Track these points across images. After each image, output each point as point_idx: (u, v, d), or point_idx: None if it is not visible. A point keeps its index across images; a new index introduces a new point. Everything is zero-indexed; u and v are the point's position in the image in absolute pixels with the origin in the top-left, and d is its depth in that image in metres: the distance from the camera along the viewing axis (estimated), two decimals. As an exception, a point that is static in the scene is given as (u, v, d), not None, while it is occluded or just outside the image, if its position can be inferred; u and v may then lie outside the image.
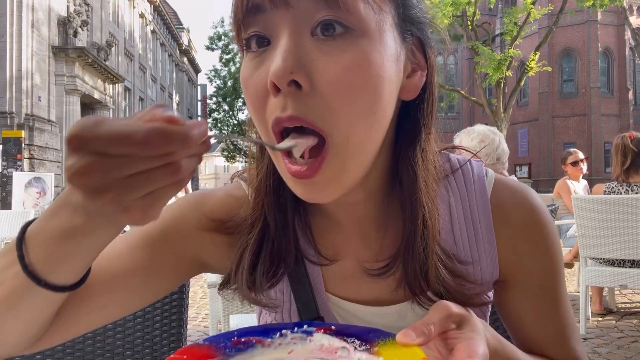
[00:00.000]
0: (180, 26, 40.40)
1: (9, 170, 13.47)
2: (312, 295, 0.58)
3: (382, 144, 0.49)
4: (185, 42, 40.65)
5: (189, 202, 0.62)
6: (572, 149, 4.96)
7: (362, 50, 0.43)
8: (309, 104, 0.42)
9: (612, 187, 3.48)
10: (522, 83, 21.71)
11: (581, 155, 4.77)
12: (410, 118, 0.52)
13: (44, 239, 0.42)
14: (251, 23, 0.45)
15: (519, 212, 0.58)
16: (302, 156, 0.44)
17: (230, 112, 37.38)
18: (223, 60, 36.07)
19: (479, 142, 2.55)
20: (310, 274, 0.59)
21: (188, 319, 0.99)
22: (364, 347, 0.45)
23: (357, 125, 0.43)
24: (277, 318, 0.62)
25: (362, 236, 0.58)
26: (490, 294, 0.64)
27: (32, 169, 14.79)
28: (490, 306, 0.65)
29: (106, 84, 20.53)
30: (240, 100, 36.67)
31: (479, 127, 2.67)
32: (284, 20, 0.43)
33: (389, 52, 0.46)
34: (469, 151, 0.63)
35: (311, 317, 0.58)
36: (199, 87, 47.43)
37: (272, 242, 0.56)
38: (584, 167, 4.74)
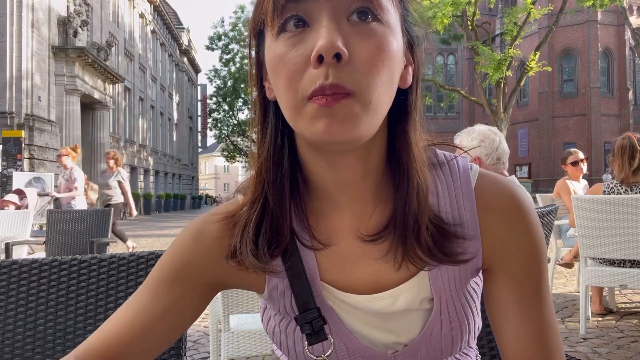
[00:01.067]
0: (180, 26, 40.38)
1: (9, 170, 13.47)
2: (308, 286, 0.61)
3: (381, 124, 0.57)
4: (185, 42, 40.64)
5: (192, 235, 0.65)
6: (572, 149, 4.94)
7: (386, 36, 0.53)
8: (346, 73, 0.50)
9: (612, 187, 3.46)
10: (522, 83, 21.72)
11: (581, 155, 4.75)
12: (400, 103, 0.60)
13: None
14: (292, 8, 0.52)
15: (500, 199, 0.62)
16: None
17: (230, 112, 37.35)
18: (223, 60, 36.04)
19: (480, 141, 2.51)
20: (306, 264, 0.62)
21: (188, 319, 0.98)
22: None
23: (378, 90, 0.52)
24: (281, 311, 0.64)
25: (357, 215, 0.61)
26: (480, 282, 0.66)
27: (32, 169, 14.79)
28: (481, 287, 0.66)
29: (106, 84, 20.53)
30: (241, 100, 36.67)
31: (479, 127, 2.64)
32: (324, 8, 0.51)
33: (399, 42, 0.55)
34: (459, 148, 0.67)
35: (308, 308, 0.61)
36: (199, 87, 47.38)
37: (272, 215, 0.60)
38: (584, 167, 4.73)
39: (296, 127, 0.54)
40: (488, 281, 0.64)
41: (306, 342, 0.62)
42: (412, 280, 0.61)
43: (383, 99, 0.53)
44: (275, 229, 0.60)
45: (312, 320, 0.60)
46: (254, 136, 0.63)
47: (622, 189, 3.40)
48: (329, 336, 0.61)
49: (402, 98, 0.59)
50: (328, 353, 0.62)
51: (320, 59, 0.49)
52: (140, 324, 0.61)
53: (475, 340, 0.70)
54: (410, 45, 0.60)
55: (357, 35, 0.51)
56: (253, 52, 0.60)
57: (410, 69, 0.60)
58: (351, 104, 0.50)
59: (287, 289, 0.62)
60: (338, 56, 0.49)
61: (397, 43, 0.54)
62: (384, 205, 0.61)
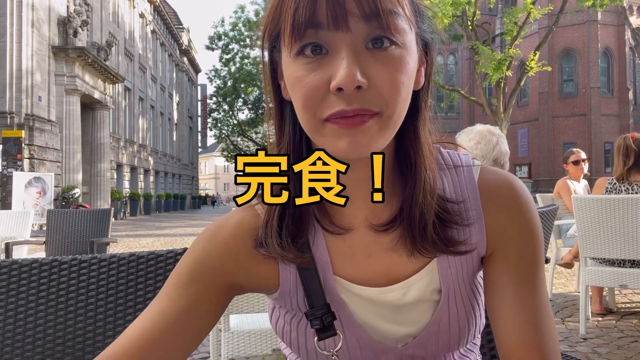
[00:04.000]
0: (180, 26, 40.34)
1: (9, 170, 13.48)
2: (319, 282, 0.63)
3: None
4: (185, 42, 40.60)
5: (206, 237, 0.67)
6: (575, 149, 4.95)
7: (403, 58, 0.55)
8: (368, 97, 0.53)
9: (615, 184, 3.53)
10: (522, 83, 21.70)
11: (583, 156, 4.75)
12: (411, 102, 0.62)
13: None
14: (311, 35, 0.53)
15: (501, 191, 0.66)
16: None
17: (230, 112, 37.29)
18: (223, 60, 35.98)
19: (476, 142, 2.41)
20: (318, 260, 0.64)
21: (188, 319, 0.98)
22: None
23: (398, 106, 0.55)
24: (293, 307, 0.66)
25: (369, 208, 0.64)
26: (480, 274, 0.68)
27: (32, 169, 14.79)
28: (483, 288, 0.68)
29: (106, 84, 20.51)
30: (241, 100, 36.64)
31: (478, 127, 2.54)
32: (344, 40, 0.53)
33: (414, 57, 0.58)
34: (461, 147, 0.69)
35: (318, 304, 0.63)
36: (199, 87, 47.34)
37: (294, 209, 0.62)
38: (585, 167, 4.74)
39: (316, 142, 0.57)
40: (487, 266, 0.66)
41: (316, 338, 0.64)
42: (422, 271, 0.64)
43: (402, 112, 0.57)
44: (298, 220, 0.63)
45: (322, 316, 0.62)
46: (272, 130, 0.65)
47: (622, 186, 3.51)
48: (338, 331, 0.63)
49: (413, 97, 0.62)
50: (338, 347, 0.64)
51: (340, 89, 0.52)
52: (159, 329, 0.61)
53: (480, 334, 0.73)
54: (425, 45, 0.63)
55: (375, 62, 0.53)
56: (266, 55, 0.62)
57: (423, 70, 0.63)
58: (372, 125, 0.54)
59: (299, 285, 0.64)
60: (358, 87, 0.52)
61: (413, 60, 0.57)
62: (394, 199, 0.64)
